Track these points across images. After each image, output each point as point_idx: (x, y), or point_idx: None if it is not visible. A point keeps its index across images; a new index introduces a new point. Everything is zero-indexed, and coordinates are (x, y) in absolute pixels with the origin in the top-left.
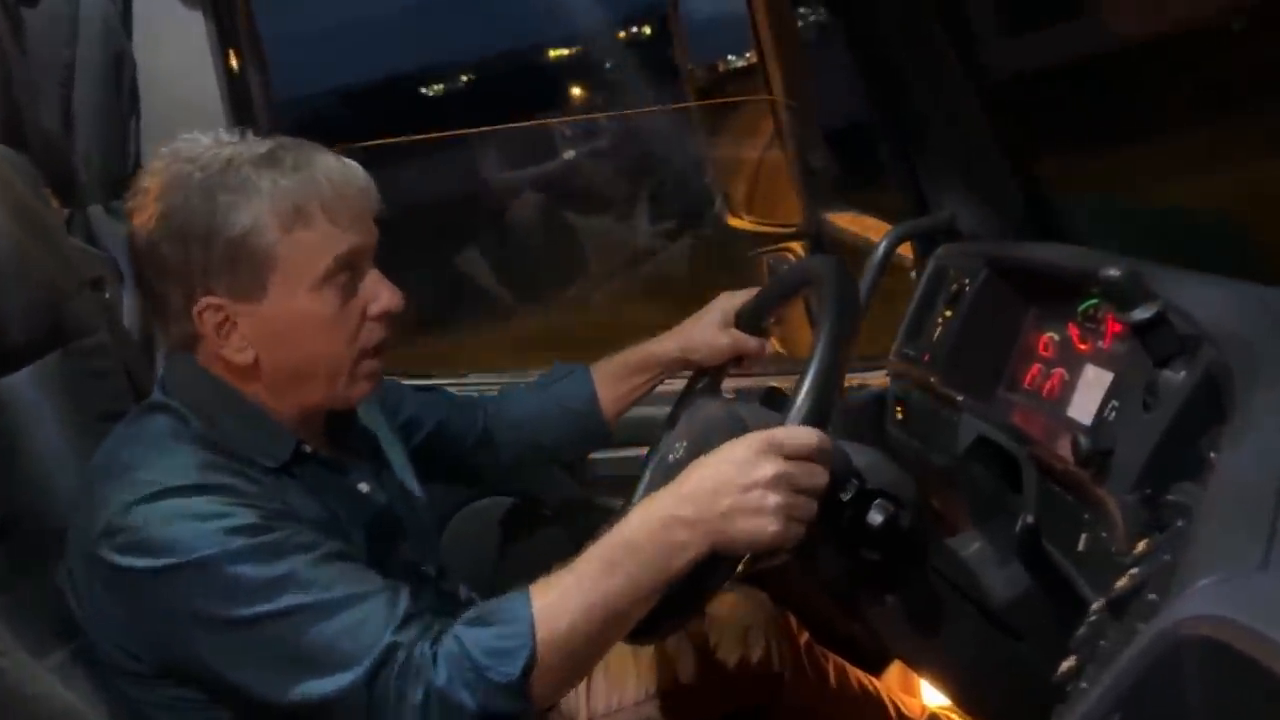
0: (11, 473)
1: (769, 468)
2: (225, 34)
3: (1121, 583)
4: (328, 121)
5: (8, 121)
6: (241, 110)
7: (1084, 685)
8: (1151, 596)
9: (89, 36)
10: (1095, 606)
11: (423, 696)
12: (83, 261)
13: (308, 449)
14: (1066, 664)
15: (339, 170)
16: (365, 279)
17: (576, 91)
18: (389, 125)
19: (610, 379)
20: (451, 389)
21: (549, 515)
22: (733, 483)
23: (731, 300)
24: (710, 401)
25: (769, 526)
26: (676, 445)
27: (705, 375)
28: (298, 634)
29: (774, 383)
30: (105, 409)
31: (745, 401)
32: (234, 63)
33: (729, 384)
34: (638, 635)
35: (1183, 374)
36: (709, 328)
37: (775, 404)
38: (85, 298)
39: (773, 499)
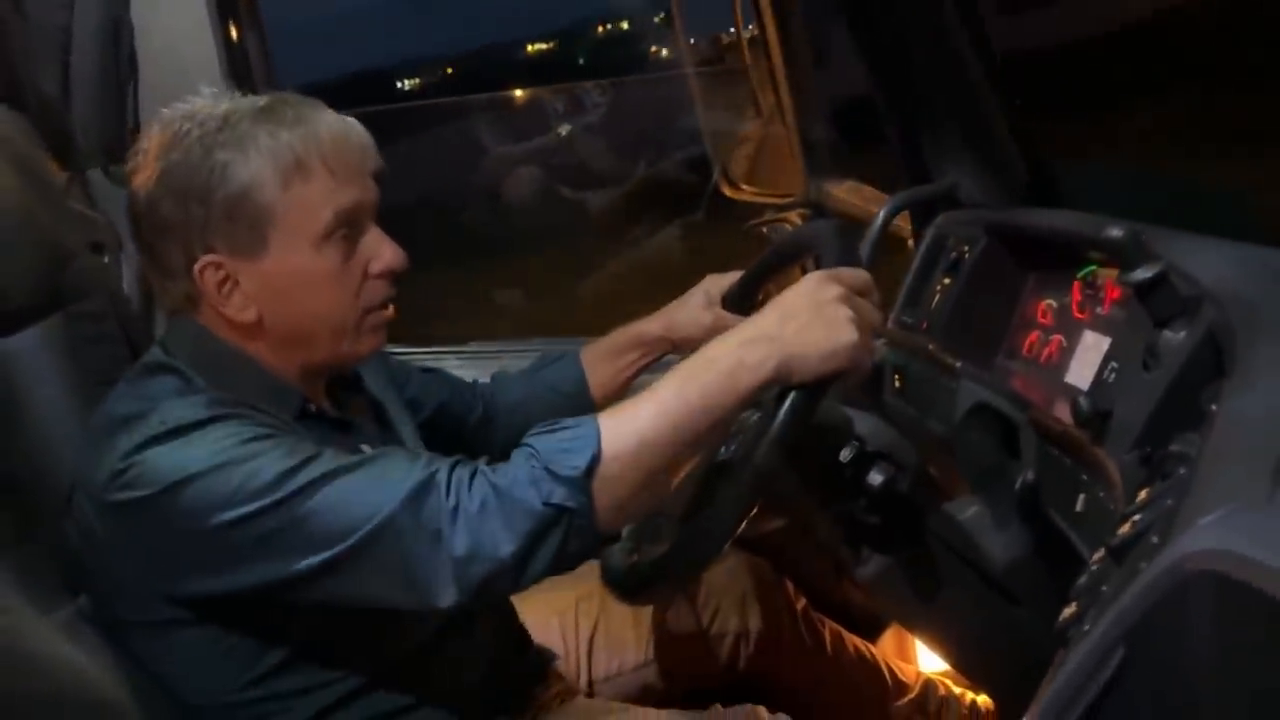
0: (13, 433)
1: (835, 289)
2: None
3: (1123, 529)
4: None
5: (7, 86)
6: (240, 76)
7: (1086, 628)
8: (1154, 539)
9: (86, 2)
10: (1096, 556)
11: (481, 500)
12: (83, 225)
13: (312, 407)
14: (1067, 610)
15: (339, 125)
16: (367, 236)
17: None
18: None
19: (598, 361)
20: (452, 358)
21: None
22: (803, 303)
23: (716, 282)
24: None
25: (844, 334)
26: None
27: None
28: (321, 499)
29: None
30: (104, 373)
31: None
32: (233, 31)
33: None
34: (649, 593)
35: (1183, 334)
36: (693, 308)
37: None
38: (86, 261)
39: (844, 310)
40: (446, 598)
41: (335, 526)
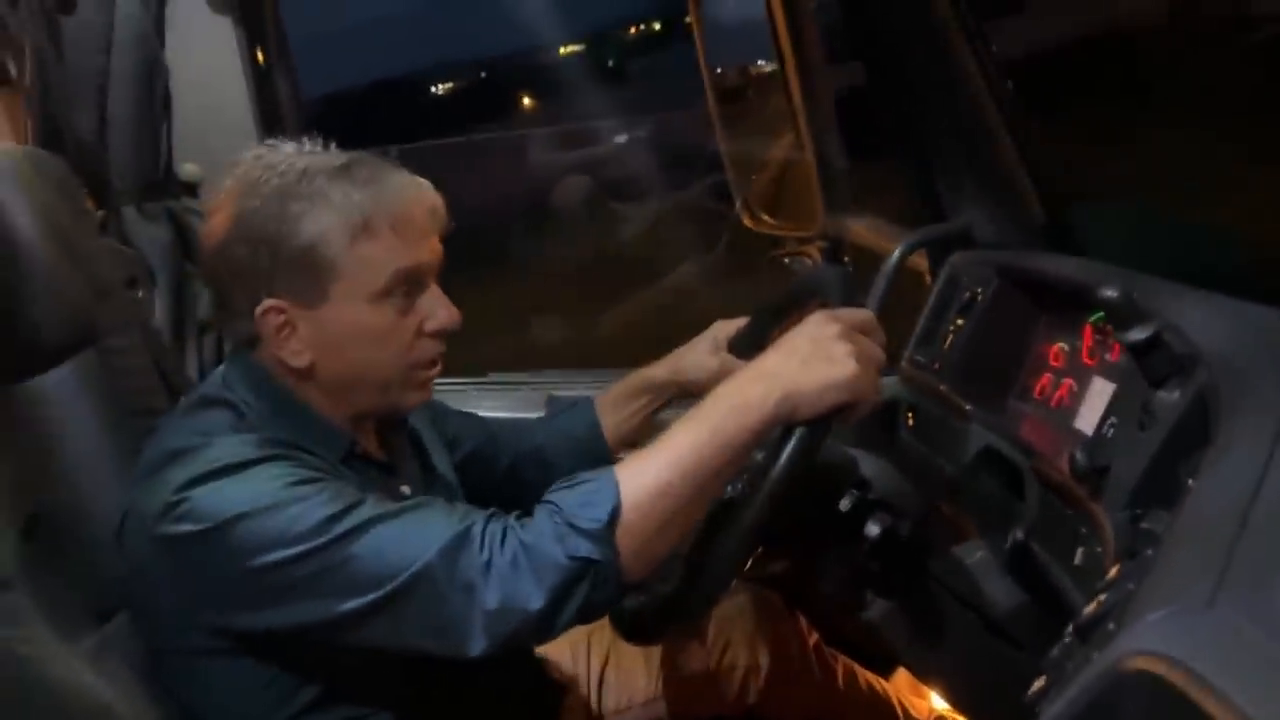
0: (46, 467)
1: (835, 326)
2: (253, 38)
3: (1090, 609)
4: (353, 117)
5: (45, 126)
6: (269, 114)
7: (1047, 707)
8: (1110, 625)
9: (123, 44)
10: (1068, 630)
11: (511, 556)
12: (118, 261)
13: (359, 449)
14: (1037, 684)
15: (410, 187)
16: (425, 295)
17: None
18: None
19: (609, 407)
20: (472, 389)
21: None
22: (803, 341)
23: (724, 327)
24: None
25: (843, 368)
26: None
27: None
28: (363, 545)
29: None
30: (137, 405)
31: None
32: (261, 65)
33: None
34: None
35: (1176, 394)
36: (700, 353)
37: None
38: (119, 296)
39: (844, 346)
40: (476, 648)
41: (374, 572)
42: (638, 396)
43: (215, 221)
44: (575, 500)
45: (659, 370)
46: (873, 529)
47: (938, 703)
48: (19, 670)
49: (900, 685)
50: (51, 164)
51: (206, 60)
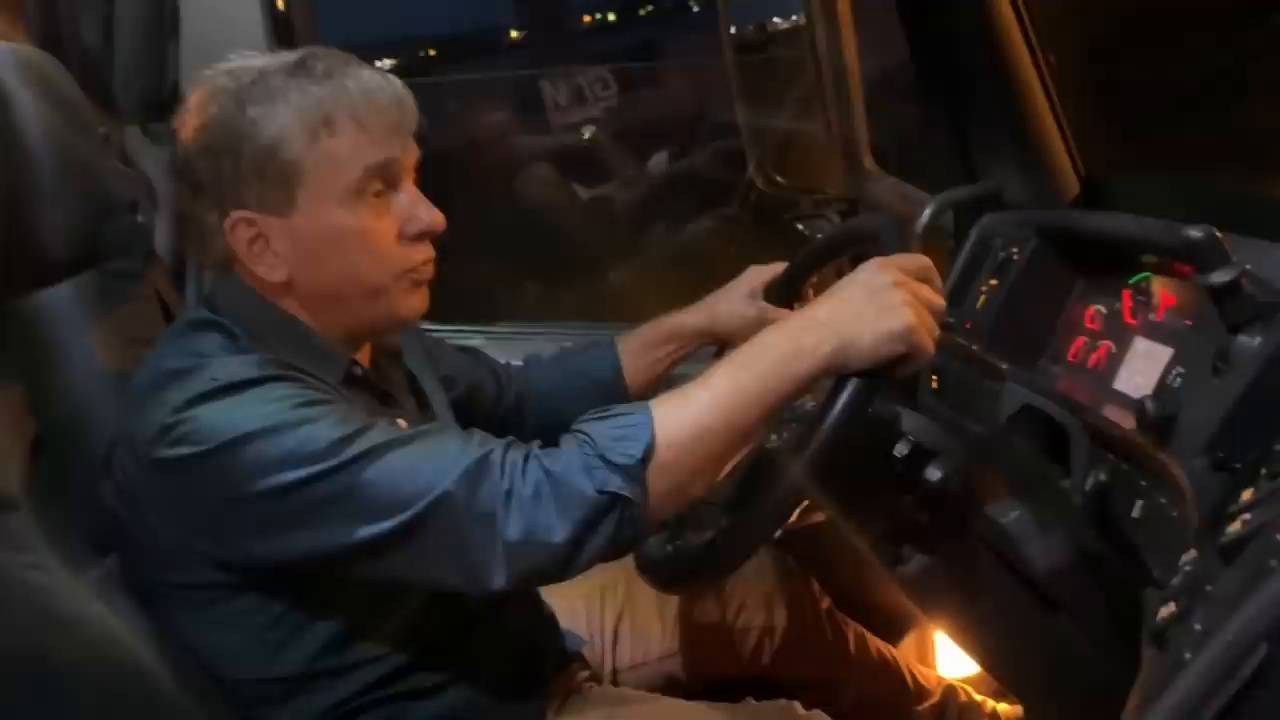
0: (50, 386)
1: (891, 273)
2: None
3: (1234, 527)
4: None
5: (50, 34)
6: (283, 35)
7: (1198, 627)
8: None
9: None
10: (1188, 557)
11: (534, 486)
12: (122, 181)
13: (358, 371)
14: (1165, 610)
15: (372, 79)
16: (402, 196)
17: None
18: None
19: (635, 351)
20: (480, 338)
21: None
22: (858, 290)
23: (760, 274)
24: None
25: (902, 318)
26: None
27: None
28: (376, 471)
29: None
30: (137, 331)
31: None
32: None
33: None
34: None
35: (1259, 340)
36: (736, 300)
37: None
38: (122, 218)
39: (901, 294)
40: (497, 580)
41: (389, 499)
42: (666, 343)
43: (181, 138)
44: (609, 433)
45: (692, 316)
46: (934, 473)
47: (945, 670)
48: (24, 595)
49: (909, 653)
50: (59, 70)
51: None
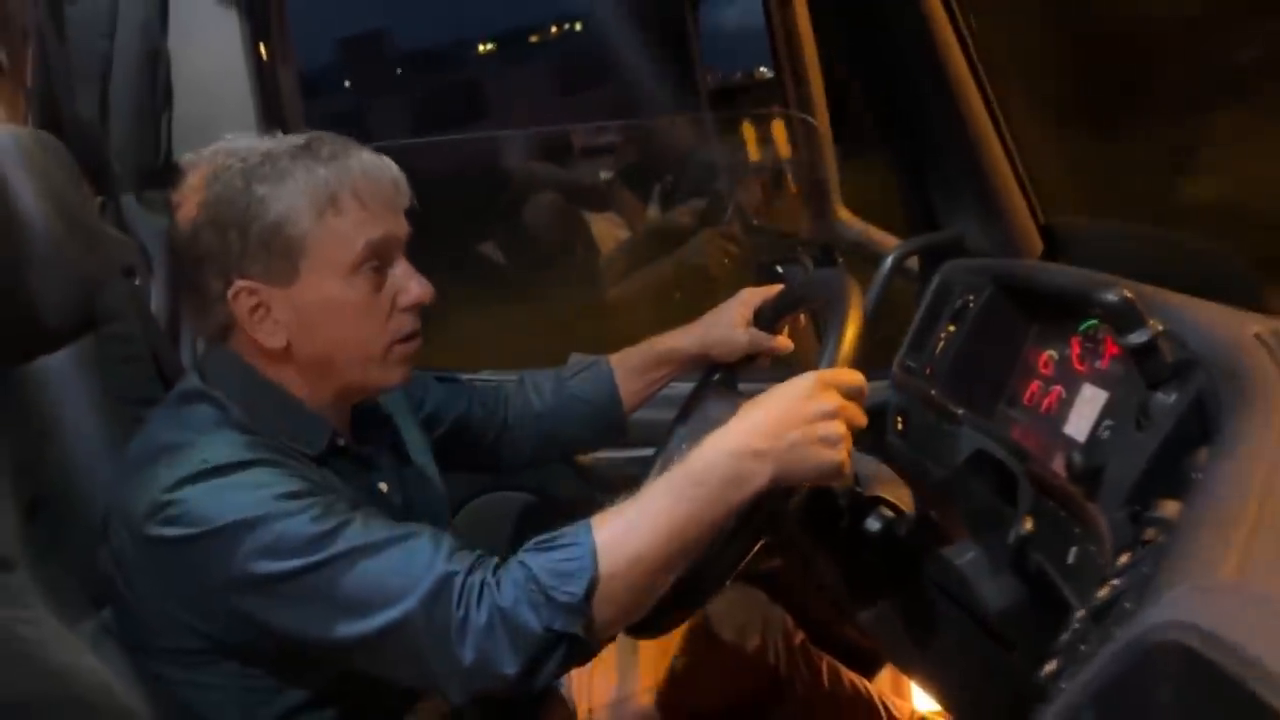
0: (47, 450)
1: (831, 401)
2: (258, 31)
3: (1102, 592)
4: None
5: (46, 109)
6: (271, 107)
7: (1063, 686)
8: (1128, 605)
9: (126, 31)
10: (1078, 615)
11: (487, 618)
12: (117, 248)
13: (341, 441)
14: (1049, 666)
15: (372, 161)
16: (395, 269)
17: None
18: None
19: (630, 373)
20: None
21: (558, 512)
22: (799, 414)
23: (753, 297)
24: (720, 400)
25: (835, 455)
26: (683, 445)
27: (718, 371)
28: (348, 575)
29: None
30: (133, 393)
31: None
32: (265, 58)
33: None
34: (650, 628)
35: (1174, 397)
36: (728, 325)
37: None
38: (117, 284)
39: (837, 428)
40: (455, 698)
41: (355, 607)
42: (659, 366)
43: (184, 211)
44: (552, 568)
45: (684, 341)
46: (873, 524)
47: (919, 704)
48: (22, 650)
49: (883, 686)
50: (54, 146)
51: (209, 51)
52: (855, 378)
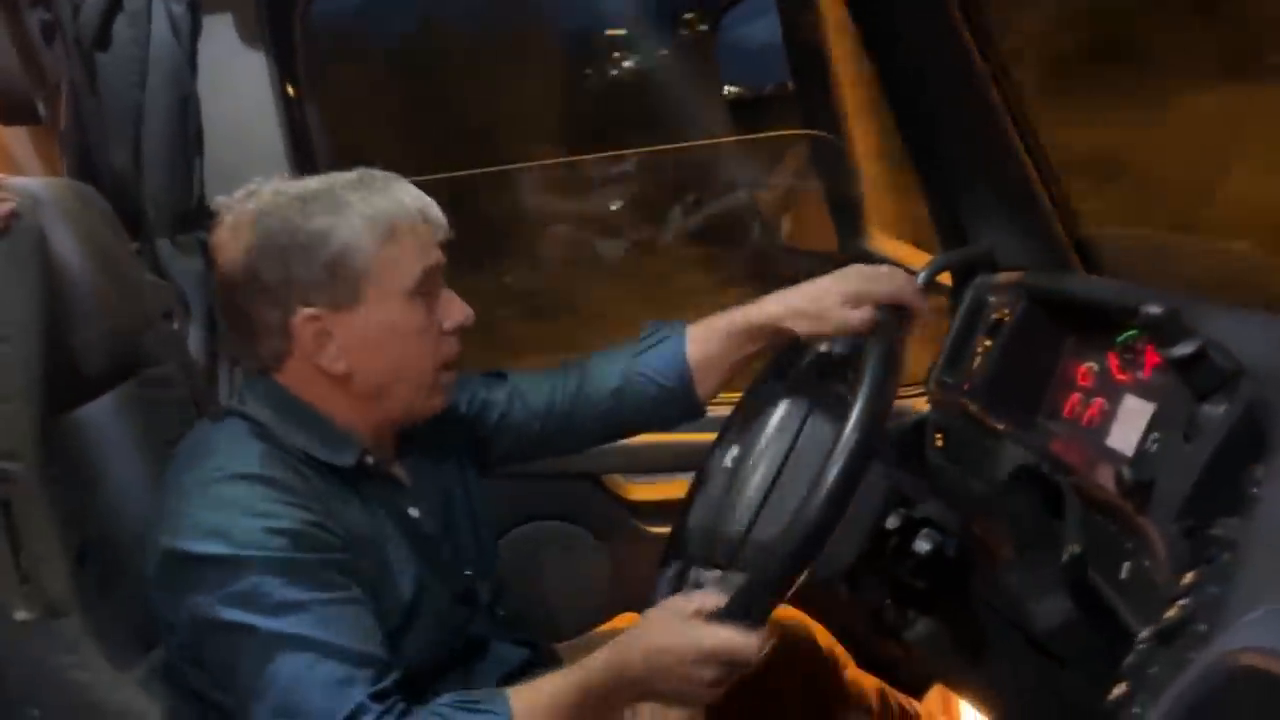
0: (94, 495)
1: (719, 672)
2: (285, 72)
3: (1170, 613)
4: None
5: (82, 159)
6: (300, 144)
7: (1136, 711)
8: (1201, 627)
9: (157, 78)
10: (1143, 635)
11: None
12: (155, 293)
13: (370, 460)
14: (1118, 690)
15: (419, 195)
16: (443, 294)
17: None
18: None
19: (708, 349)
20: None
21: (594, 540)
22: (682, 665)
23: (863, 275)
24: (771, 406)
25: (699, 703)
26: (732, 448)
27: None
28: (287, 664)
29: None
30: (175, 436)
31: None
32: (293, 98)
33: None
34: None
35: (1223, 408)
36: (834, 304)
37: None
38: (157, 328)
39: (712, 691)
40: None
41: (274, 699)
42: (745, 341)
43: (232, 250)
44: None
45: (783, 312)
46: (923, 546)
47: None
48: (77, 697)
49: (932, 707)
50: (92, 196)
51: (238, 93)
52: (749, 654)
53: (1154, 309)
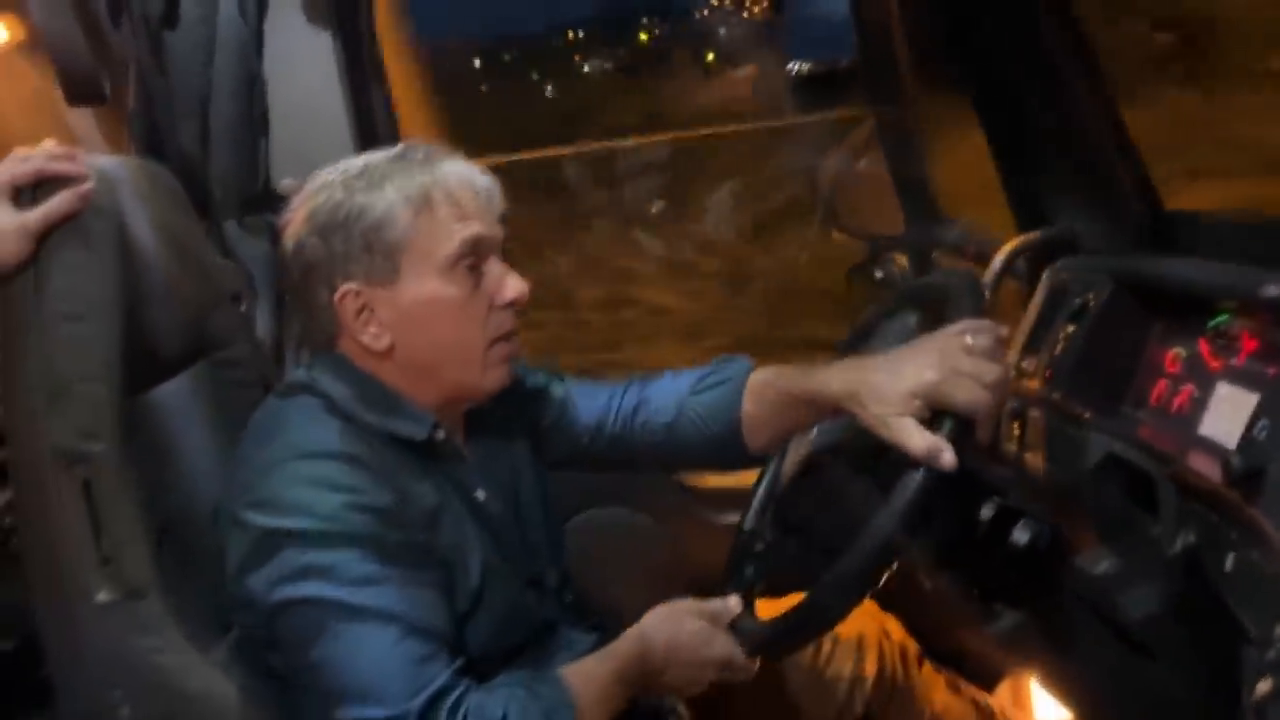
0: (170, 477)
1: (714, 676)
2: (351, 52)
3: None
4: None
5: (150, 139)
6: (366, 127)
7: None
8: None
9: (225, 59)
10: None
11: None
12: (224, 275)
13: (441, 434)
14: (1264, 685)
15: (463, 167)
16: (491, 268)
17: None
18: None
19: (764, 406)
20: None
21: (661, 528)
22: (690, 672)
23: (921, 375)
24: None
25: (689, 693)
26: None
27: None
28: (372, 639)
29: None
30: (245, 418)
31: None
32: (358, 78)
33: None
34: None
35: None
36: (895, 399)
37: None
38: (226, 310)
39: (699, 688)
40: None
41: (355, 682)
42: (800, 407)
43: (291, 226)
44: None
45: (856, 408)
46: (1021, 536)
47: (1041, 717)
48: (158, 678)
49: (1004, 700)
50: (164, 176)
51: (304, 74)
52: (748, 670)
53: (1271, 291)
